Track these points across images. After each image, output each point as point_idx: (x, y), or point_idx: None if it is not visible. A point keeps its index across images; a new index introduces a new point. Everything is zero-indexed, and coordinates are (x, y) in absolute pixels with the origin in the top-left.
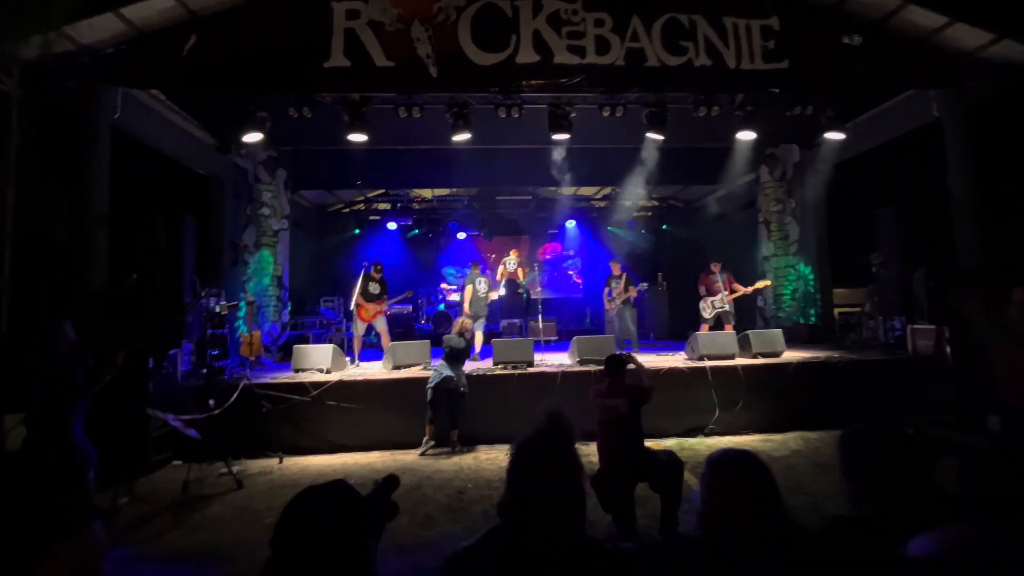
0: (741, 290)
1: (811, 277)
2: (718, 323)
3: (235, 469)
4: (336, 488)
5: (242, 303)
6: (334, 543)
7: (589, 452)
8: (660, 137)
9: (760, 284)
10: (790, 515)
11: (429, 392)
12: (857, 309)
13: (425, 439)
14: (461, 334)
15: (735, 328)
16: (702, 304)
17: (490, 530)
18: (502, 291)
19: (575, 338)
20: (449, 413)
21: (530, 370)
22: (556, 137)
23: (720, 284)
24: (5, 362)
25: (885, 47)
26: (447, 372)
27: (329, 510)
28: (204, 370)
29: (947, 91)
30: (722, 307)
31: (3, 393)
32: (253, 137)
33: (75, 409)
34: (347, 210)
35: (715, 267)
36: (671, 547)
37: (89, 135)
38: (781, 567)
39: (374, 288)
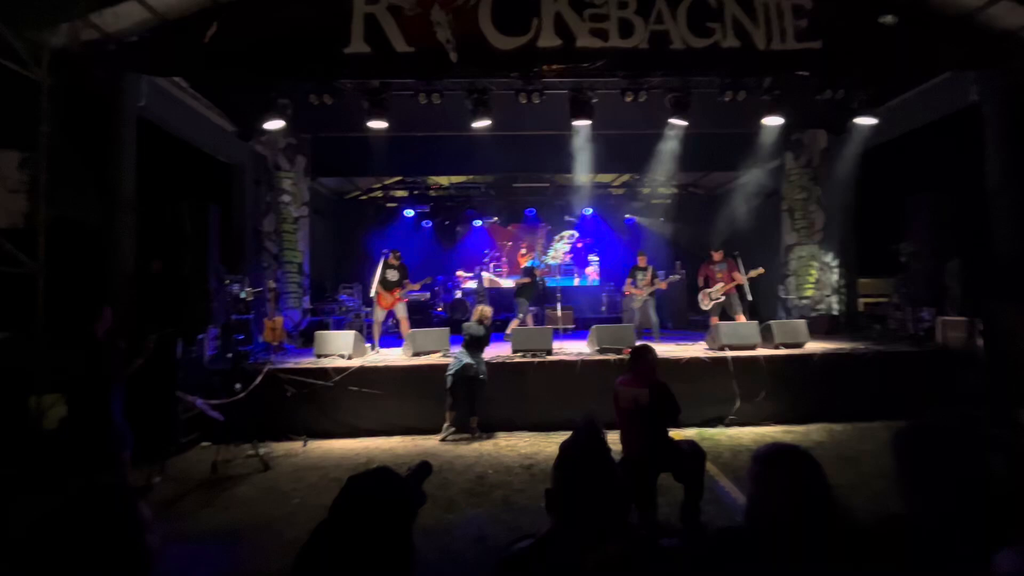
0: (738, 279)
1: (836, 266)
2: (726, 316)
3: (261, 451)
4: (385, 474)
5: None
6: (384, 526)
7: (613, 439)
8: (684, 123)
9: (753, 273)
10: (842, 511)
11: (449, 379)
12: (883, 299)
13: (445, 425)
14: (480, 322)
15: (749, 317)
16: (700, 296)
17: (545, 533)
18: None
19: (594, 327)
20: (469, 400)
21: (549, 358)
22: (577, 123)
23: (720, 275)
24: (42, 343)
25: (924, 26)
26: (467, 360)
27: (380, 494)
28: (230, 355)
29: (987, 74)
30: (719, 299)
31: (40, 373)
32: (274, 124)
33: (113, 391)
34: (364, 197)
35: (716, 256)
36: (717, 541)
37: (116, 123)
38: (829, 563)
39: (392, 275)
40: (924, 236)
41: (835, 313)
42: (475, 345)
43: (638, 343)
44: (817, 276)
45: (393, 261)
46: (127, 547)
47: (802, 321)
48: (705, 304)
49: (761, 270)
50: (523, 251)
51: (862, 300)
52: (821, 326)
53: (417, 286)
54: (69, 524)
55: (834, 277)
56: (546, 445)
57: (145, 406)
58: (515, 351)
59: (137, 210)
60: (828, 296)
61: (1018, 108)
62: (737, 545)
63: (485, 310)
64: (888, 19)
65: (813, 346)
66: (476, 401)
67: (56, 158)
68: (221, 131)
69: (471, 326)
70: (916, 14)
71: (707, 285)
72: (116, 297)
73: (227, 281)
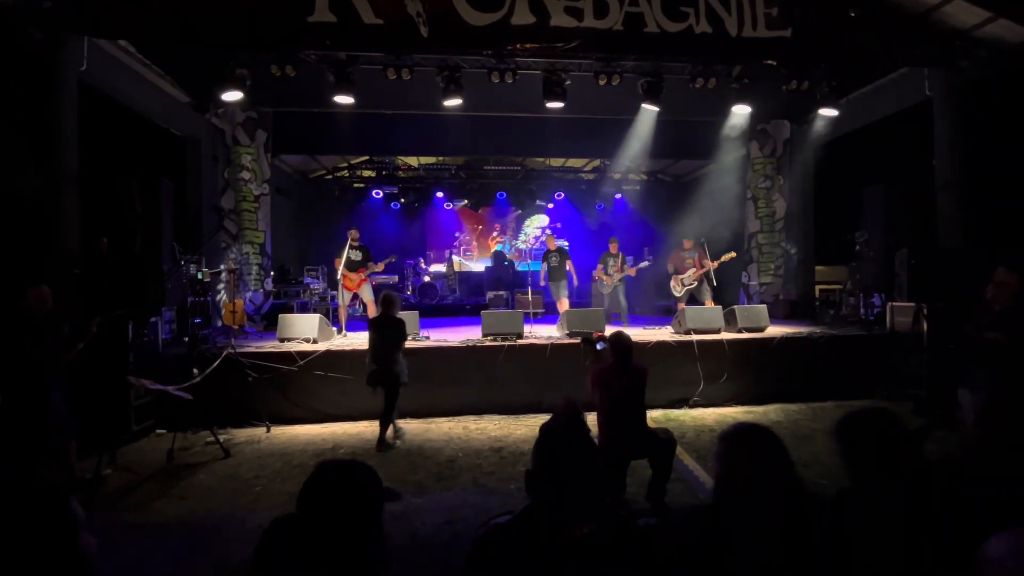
0: (708, 265)
1: (795, 253)
2: (694, 301)
3: (221, 438)
4: (354, 464)
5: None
6: (354, 512)
7: (590, 421)
8: (655, 108)
9: (725, 257)
10: (803, 485)
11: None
12: (838, 286)
13: (379, 437)
14: (385, 315)
15: (714, 302)
16: (672, 283)
17: (522, 510)
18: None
19: (564, 311)
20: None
21: (520, 342)
22: (550, 105)
23: (691, 261)
24: None
25: (885, 22)
26: (372, 366)
27: (349, 482)
28: (186, 338)
29: (939, 71)
30: (691, 284)
31: None
32: (232, 96)
33: (50, 378)
34: (330, 176)
35: (687, 244)
36: (690, 518)
37: (55, 88)
38: (791, 534)
39: (355, 256)
40: (878, 225)
41: (793, 299)
42: (384, 343)
43: (615, 331)
44: (778, 263)
45: (353, 242)
46: (58, 548)
47: (763, 306)
48: (677, 290)
49: (733, 254)
50: (494, 235)
51: (818, 286)
52: (781, 311)
53: (381, 266)
54: None
55: (793, 264)
56: (516, 428)
57: (94, 392)
58: (485, 335)
59: (82, 184)
60: (787, 282)
61: (967, 106)
62: (706, 522)
63: (389, 297)
64: (849, 13)
65: (773, 330)
66: (388, 406)
67: None
68: (174, 102)
69: (373, 320)
70: (877, 9)
71: (678, 272)
72: (58, 277)
73: (182, 260)
